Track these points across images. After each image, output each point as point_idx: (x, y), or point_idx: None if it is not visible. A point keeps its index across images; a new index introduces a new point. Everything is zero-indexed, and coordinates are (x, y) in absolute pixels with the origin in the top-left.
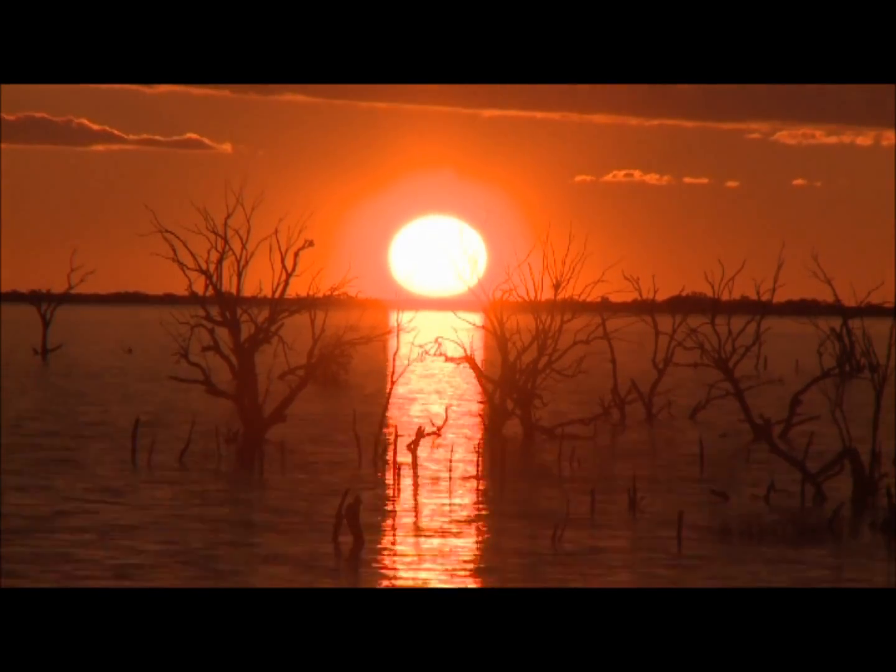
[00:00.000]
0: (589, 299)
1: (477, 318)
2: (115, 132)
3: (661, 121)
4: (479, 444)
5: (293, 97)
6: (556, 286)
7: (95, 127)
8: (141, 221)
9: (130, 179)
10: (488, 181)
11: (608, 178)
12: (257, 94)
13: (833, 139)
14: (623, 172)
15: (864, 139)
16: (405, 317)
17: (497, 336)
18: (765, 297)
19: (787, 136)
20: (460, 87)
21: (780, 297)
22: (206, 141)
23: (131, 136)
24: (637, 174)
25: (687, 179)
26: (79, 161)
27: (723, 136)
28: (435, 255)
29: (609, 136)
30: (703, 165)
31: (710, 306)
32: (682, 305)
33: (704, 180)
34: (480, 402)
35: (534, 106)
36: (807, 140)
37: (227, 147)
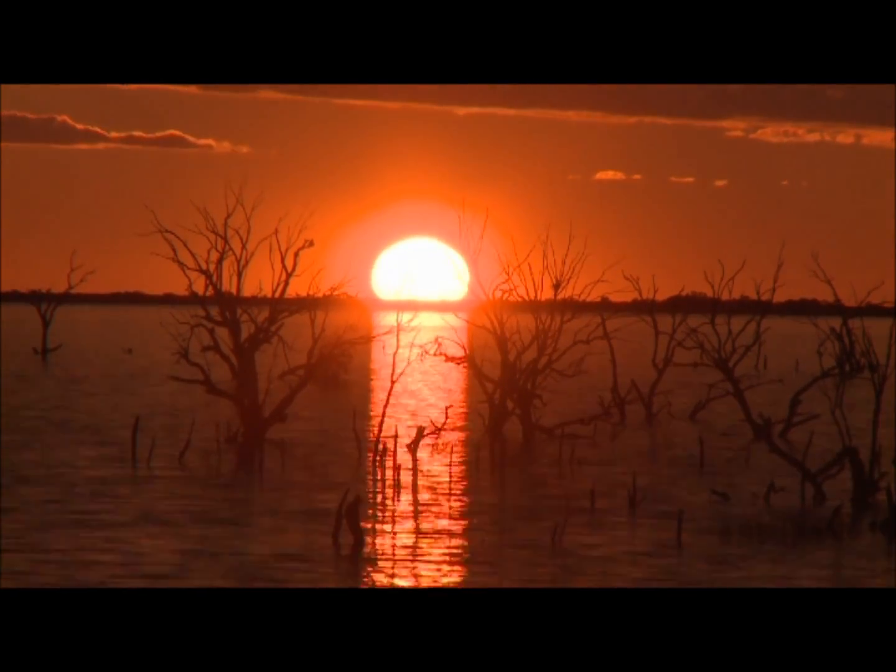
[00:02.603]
0: (589, 299)
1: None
2: (98, 130)
3: (639, 118)
4: (479, 444)
5: (268, 94)
6: (556, 286)
7: (79, 126)
8: (141, 221)
9: (122, 177)
10: (475, 183)
11: (597, 177)
12: (231, 90)
13: (815, 136)
14: (610, 172)
15: (846, 137)
16: (405, 317)
17: (497, 336)
18: (765, 297)
19: (770, 133)
20: (435, 85)
21: (780, 297)
22: (189, 138)
23: (113, 134)
24: (621, 174)
25: (673, 178)
26: (65, 159)
27: (702, 134)
28: (426, 262)
29: (588, 134)
30: (686, 164)
31: (710, 306)
32: (682, 305)
33: (690, 179)
34: (480, 402)
35: (510, 103)
36: (788, 138)
37: (210, 142)
